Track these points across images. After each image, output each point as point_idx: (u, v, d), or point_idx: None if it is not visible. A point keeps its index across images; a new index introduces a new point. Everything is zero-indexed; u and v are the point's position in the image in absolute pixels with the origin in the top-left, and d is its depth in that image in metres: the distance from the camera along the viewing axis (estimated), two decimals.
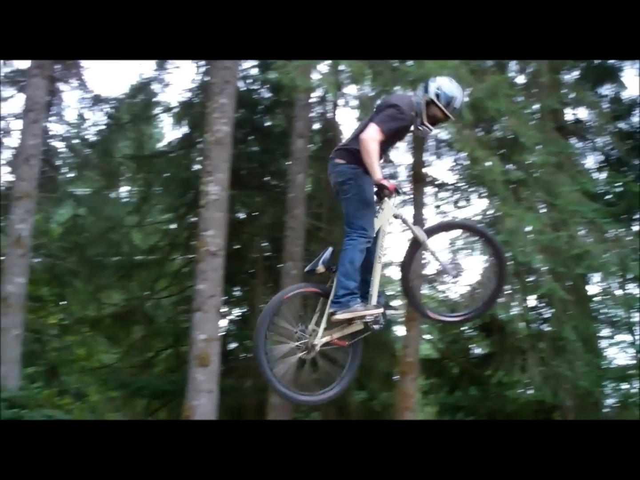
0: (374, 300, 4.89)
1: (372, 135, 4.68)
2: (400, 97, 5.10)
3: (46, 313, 16.39)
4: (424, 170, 13.34)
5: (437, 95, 4.73)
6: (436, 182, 13.95)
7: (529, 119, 11.61)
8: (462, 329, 15.51)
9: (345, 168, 4.84)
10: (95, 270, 15.19)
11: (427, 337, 17.61)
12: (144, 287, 16.40)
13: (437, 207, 14.20)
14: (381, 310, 4.92)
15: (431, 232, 4.94)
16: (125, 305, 16.45)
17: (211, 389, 9.65)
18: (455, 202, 14.02)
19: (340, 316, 4.77)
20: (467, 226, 5.46)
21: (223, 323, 14.65)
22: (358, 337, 4.98)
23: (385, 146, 4.87)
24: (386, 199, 4.85)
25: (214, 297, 10.05)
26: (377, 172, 4.64)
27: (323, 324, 4.86)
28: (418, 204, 12.80)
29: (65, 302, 16.54)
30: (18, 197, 11.45)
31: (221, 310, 10.86)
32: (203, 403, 9.53)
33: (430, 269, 4.82)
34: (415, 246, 4.90)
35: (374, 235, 4.89)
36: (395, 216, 4.91)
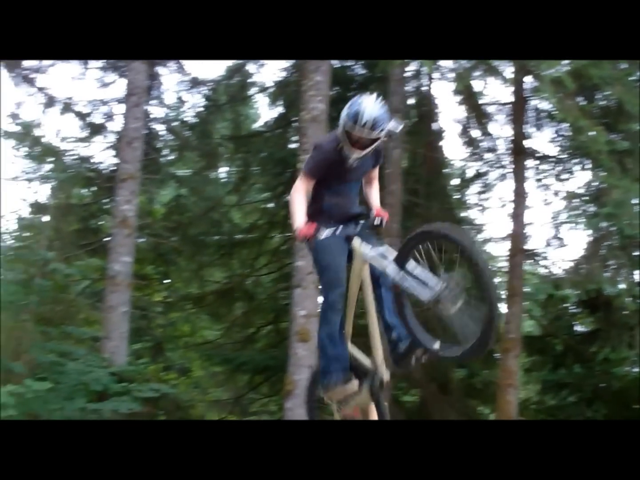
0: (379, 357, 4.43)
1: (294, 186, 4.48)
2: (323, 136, 4.81)
3: (151, 291, 16.96)
4: (524, 142, 13.01)
5: (347, 116, 4.33)
6: (537, 155, 13.58)
7: (634, 86, 11.12)
8: (565, 305, 15.14)
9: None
10: (197, 248, 15.59)
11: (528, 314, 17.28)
12: (245, 265, 16.71)
13: (538, 180, 13.85)
14: (355, 385, 4.45)
15: (403, 257, 4.15)
16: (226, 282, 16.84)
17: (312, 364, 9.75)
18: (557, 175, 13.64)
19: (325, 398, 4.60)
20: (431, 234, 4.15)
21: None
22: (373, 403, 4.61)
23: (324, 189, 4.55)
24: (353, 244, 4.48)
25: (312, 273, 10.12)
26: (294, 220, 4.34)
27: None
28: (519, 178, 12.53)
29: (170, 280, 17.08)
30: (123, 179, 11.84)
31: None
32: (304, 378, 9.63)
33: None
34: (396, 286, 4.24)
35: (349, 288, 4.49)
36: (365, 262, 4.40)
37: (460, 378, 16.04)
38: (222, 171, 19.07)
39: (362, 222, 4.61)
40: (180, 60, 14.73)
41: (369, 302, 4.45)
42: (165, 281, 17.25)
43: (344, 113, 4.37)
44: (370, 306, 4.44)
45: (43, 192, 15.90)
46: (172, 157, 16.39)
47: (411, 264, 4.11)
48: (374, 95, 4.39)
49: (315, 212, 4.55)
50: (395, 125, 4.44)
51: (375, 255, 4.34)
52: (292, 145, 15.71)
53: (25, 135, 14.67)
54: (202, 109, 15.89)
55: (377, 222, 4.55)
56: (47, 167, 15.25)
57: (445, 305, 3.89)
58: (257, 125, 19.21)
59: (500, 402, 11.51)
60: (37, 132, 14.81)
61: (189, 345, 17.38)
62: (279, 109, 16.53)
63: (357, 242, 4.48)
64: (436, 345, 4.15)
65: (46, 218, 15.72)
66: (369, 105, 4.27)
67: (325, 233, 4.44)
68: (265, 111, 21.38)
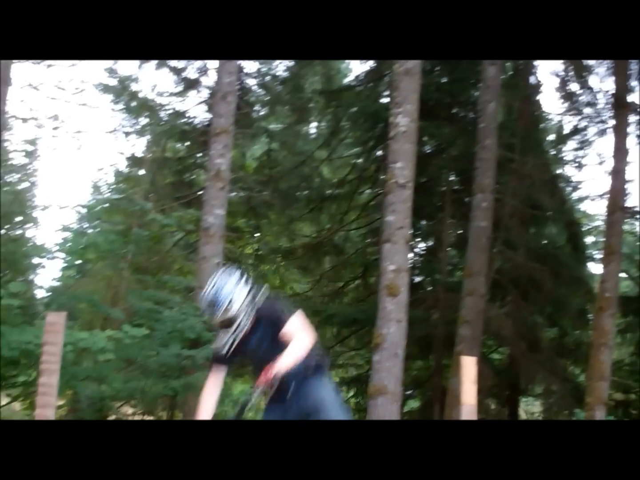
0: None
1: None
2: None
3: (243, 243, 17.28)
4: (626, 96, 12.47)
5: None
6: None
7: None
8: None
9: None
10: (288, 202, 15.75)
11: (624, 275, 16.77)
12: (334, 219, 16.81)
13: None
14: None
15: None
16: (316, 236, 17.00)
17: (400, 319, 9.77)
18: None
19: None
20: None
21: (411, 255, 14.71)
22: None
23: (251, 366, 4.37)
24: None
25: (402, 228, 10.08)
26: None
27: None
28: (620, 133, 12.03)
29: (260, 233, 17.34)
30: (216, 133, 11.98)
31: (409, 242, 10.89)
32: (392, 332, 9.68)
33: None
34: None
35: None
36: None
37: (551, 337, 15.80)
38: (313, 126, 19.13)
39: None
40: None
41: None
42: (256, 234, 17.52)
43: None
44: None
45: (139, 146, 16.32)
46: (264, 111, 16.50)
47: None
48: (221, 272, 4.23)
49: None
50: (259, 297, 4.24)
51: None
52: (384, 100, 15.57)
53: (122, 89, 15.04)
54: (293, 63, 15.88)
55: (246, 406, 3.96)
56: (143, 121, 15.62)
57: None
58: (349, 79, 19.09)
59: (592, 362, 11.22)
60: (133, 86, 15.18)
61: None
62: (371, 63, 16.35)
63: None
64: None
65: (142, 171, 16.18)
66: (209, 288, 4.13)
67: None
68: (356, 65, 21.17)
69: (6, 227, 10.02)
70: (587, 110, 14.52)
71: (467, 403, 4.71)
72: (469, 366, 4.93)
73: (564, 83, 14.39)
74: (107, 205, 14.56)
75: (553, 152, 16.58)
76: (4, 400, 10.19)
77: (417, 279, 16.30)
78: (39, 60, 13.11)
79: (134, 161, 16.21)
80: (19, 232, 11.59)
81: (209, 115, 14.33)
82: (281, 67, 16.09)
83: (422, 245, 17.45)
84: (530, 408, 17.56)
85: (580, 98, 14.43)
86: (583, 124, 14.77)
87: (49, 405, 4.41)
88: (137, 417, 11.41)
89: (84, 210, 15.63)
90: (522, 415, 16.41)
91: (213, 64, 14.27)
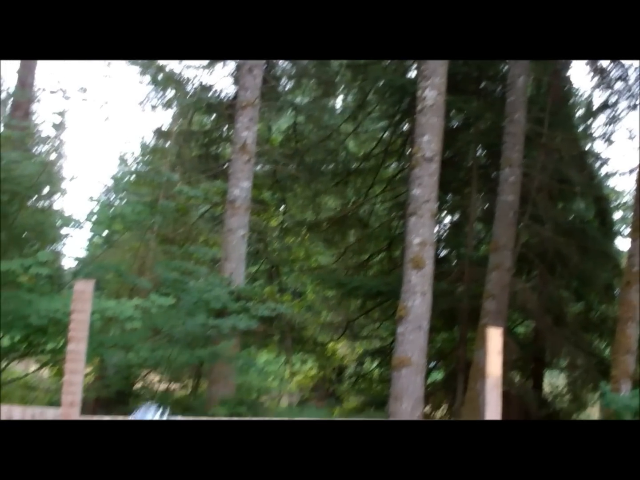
0: None
1: None
2: None
3: (268, 215, 17.35)
4: None
5: None
6: None
7: None
8: None
9: None
10: (313, 176, 15.77)
11: None
12: (359, 193, 16.82)
13: None
14: None
15: None
16: (341, 210, 17.02)
17: (425, 291, 9.80)
18: None
19: None
20: None
21: (436, 229, 14.68)
22: None
23: None
24: None
25: (428, 202, 10.07)
26: None
27: None
28: None
29: (286, 206, 17.39)
30: (243, 106, 11.97)
31: (435, 216, 10.86)
32: (417, 304, 9.72)
33: None
34: None
35: None
36: None
37: (577, 312, 15.73)
38: (339, 99, 19.05)
39: None
40: None
41: None
42: (281, 207, 17.58)
43: None
44: None
45: (166, 119, 16.40)
46: (290, 84, 16.45)
47: None
48: (140, 409, 4.28)
49: None
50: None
51: None
52: (411, 74, 15.47)
53: (149, 62, 15.05)
54: None
55: None
56: (170, 94, 15.64)
57: None
58: None
59: (619, 336, 11.11)
60: (160, 59, 15.17)
61: (304, 269, 17.78)
62: None
63: None
64: None
65: (168, 144, 16.22)
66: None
67: None
68: None
69: (34, 197, 10.10)
70: (618, 85, 14.32)
71: (492, 374, 4.75)
72: (494, 337, 4.96)
73: None
74: (134, 176, 14.64)
75: (582, 127, 16.40)
76: (33, 367, 10.38)
77: (443, 253, 16.29)
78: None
79: (160, 134, 16.26)
80: (47, 202, 11.70)
81: (235, 88, 14.31)
82: None
83: (448, 218, 17.42)
84: (554, 381, 17.52)
85: (610, 73, 14.22)
86: (613, 99, 14.57)
87: (77, 372, 4.51)
88: (163, 385, 11.57)
89: (111, 182, 15.76)
90: (546, 388, 16.40)
91: None
